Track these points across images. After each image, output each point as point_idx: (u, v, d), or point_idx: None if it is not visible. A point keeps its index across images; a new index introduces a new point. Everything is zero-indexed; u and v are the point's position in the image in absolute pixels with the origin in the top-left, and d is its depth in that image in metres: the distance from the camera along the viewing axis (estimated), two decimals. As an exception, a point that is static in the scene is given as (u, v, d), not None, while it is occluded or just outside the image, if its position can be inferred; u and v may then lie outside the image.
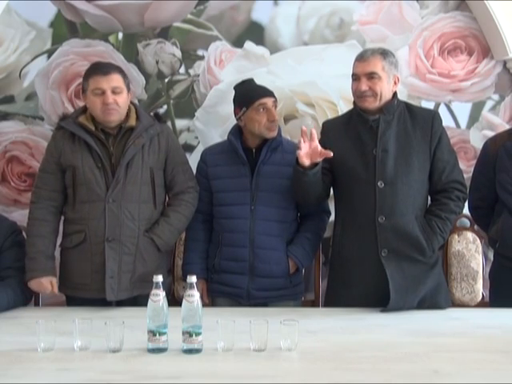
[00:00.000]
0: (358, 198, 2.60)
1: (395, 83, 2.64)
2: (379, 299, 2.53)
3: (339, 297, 2.65)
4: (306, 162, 2.53)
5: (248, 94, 2.76)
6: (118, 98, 2.61)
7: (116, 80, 2.62)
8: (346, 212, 2.66)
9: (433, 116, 2.65)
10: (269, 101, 2.73)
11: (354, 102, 2.67)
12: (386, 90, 2.59)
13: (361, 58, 2.60)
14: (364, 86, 2.56)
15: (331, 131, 2.70)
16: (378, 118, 2.60)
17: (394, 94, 2.65)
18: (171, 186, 2.78)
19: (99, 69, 2.65)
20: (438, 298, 2.62)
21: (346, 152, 2.62)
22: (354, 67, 2.63)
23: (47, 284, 2.62)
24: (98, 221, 2.62)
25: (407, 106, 2.69)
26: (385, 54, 2.61)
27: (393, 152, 2.58)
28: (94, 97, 2.60)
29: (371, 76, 2.56)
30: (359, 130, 2.63)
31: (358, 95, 2.60)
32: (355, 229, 2.62)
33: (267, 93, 2.76)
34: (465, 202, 2.70)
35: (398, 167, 2.57)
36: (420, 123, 2.62)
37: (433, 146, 2.61)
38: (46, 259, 2.62)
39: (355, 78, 2.61)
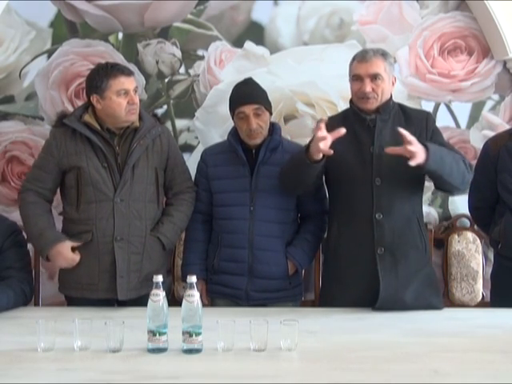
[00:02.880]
0: (355, 196, 2.59)
1: (393, 84, 2.65)
2: (373, 298, 2.52)
3: (334, 296, 2.64)
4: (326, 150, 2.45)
5: (231, 101, 2.76)
6: (136, 97, 2.66)
7: (135, 80, 2.69)
8: (343, 211, 2.65)
9: (426, 116, 2.67)
10: (248, 108, 2.67)
11: (351, 102, 2.66)
12: (386, 90, 2.60)
13: (362, 58, 2.58)
14: (368, 87, 2.55)
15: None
16: (375, 117, 2.60)
17: (390, 95, 2.65)
18: (171, 186, 2.80)
19: (121, 70, 2.66)
20: (430, 298, 2.60)
21: (343, 152, 2.59)
22: (354, 68, 2.60)
23: (67, 252, 2.59)
24: (107, 220, 2.62)
25: (401, 107, 2.69)
26: (385, 54, 2.61)
27: None
28: (117, 97, 2.61)
29: (375, 77, 2.56)
30: (356, 129, 2.61)
31: (361, 96, 2.58)
32: (352, 227, 2.61)
33: (248, 100, 2.68)
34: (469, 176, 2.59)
35: (395, 164, 2.54)
36: (414, 123, 2.62)
37: (428, 140, 2.57)
38: (52, 231, 2.65)
39: (357, 78, 2.59)
